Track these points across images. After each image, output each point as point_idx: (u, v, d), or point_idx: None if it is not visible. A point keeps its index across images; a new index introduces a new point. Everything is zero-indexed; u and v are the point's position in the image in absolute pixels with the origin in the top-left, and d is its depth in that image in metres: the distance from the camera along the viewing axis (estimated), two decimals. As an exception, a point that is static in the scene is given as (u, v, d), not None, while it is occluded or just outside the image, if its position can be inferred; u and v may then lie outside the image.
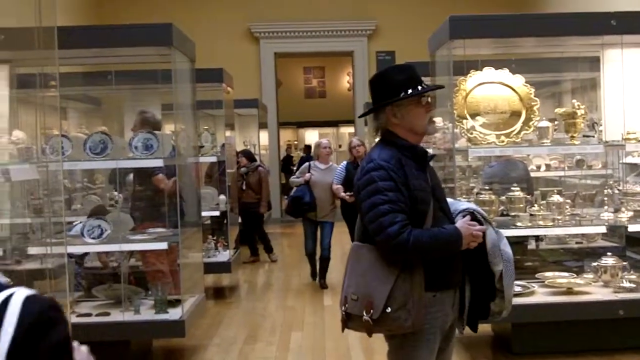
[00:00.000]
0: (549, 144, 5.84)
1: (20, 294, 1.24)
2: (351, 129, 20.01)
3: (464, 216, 3.04)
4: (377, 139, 3.20)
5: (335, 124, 22.72)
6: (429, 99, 3.07)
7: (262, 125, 15.30)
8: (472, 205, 3.19)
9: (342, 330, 3.08)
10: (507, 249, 3.10)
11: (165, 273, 6.14)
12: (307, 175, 8.70)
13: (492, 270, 3.04)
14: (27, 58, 4.48)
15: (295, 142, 23.84)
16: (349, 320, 3.00)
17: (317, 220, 8.72)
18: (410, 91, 2.99)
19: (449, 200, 3.21)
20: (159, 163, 5.59)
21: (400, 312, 2.86)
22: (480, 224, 3.02)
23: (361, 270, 2.97)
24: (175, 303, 5.69)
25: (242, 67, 13.81)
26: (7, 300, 1.22)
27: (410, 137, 3.06)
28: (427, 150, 3.23)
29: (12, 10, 4.46)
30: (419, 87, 3.01)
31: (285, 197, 15.62)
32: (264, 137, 15.92)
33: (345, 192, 8.31)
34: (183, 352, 6.14)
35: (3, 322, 1.18)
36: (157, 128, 6.14)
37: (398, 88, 3.00)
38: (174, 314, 5.56)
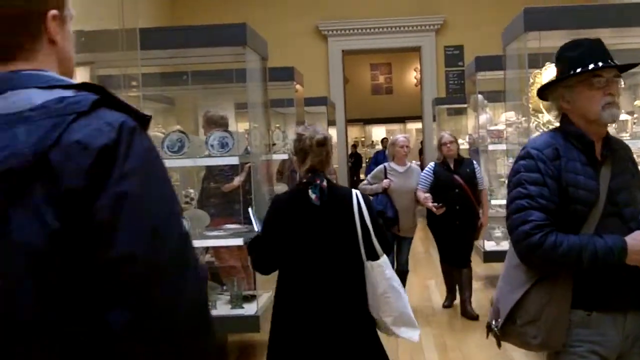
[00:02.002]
0: (628, 138, 5.68)
1: (355, 190, 3.43)
2: (418, 125, 19.87)
3: None
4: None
5: (402, 120, 22.59)
6: (613, 80, 2.52)
7: (331, 123, 15.37)
8: None
9: (499, 346, 2.65)
10: None
11: (238, 269, 6.24)
12: (386, 181, 6.88)
13: None
14: (109, 59, 4.61)
15: (363, 139, 23.81)
16: (490, 328, 2.63)
17: (399, 236, 6.97)
18: (579, 70, 2.48)
19: None
20: (234, 161, 5.68)
21: (528, 327, 2.45)
22: None
23: (504, 271, 2.63)
24: (250, 298, 5.78)
25: (310, 65, 13.87)
26: (352, 191, 3.42)
27: (583, 125, 2.53)
28: (609, 140, 2.60)
29: (92, 13, 4.60)
30: (591, 66, 2.47)
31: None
32: (333, 134, 16.01)
33: (433, 201, 6.77)
34: (257, 346, 6.23)
35: (361, 199, 3.38)
36: (223, 125, 6.29)
37: (568, 67, 2.52)
38: (249, 309, 5.64)
